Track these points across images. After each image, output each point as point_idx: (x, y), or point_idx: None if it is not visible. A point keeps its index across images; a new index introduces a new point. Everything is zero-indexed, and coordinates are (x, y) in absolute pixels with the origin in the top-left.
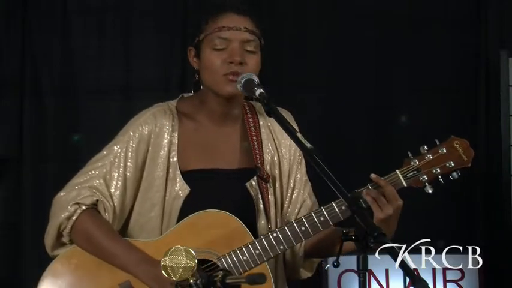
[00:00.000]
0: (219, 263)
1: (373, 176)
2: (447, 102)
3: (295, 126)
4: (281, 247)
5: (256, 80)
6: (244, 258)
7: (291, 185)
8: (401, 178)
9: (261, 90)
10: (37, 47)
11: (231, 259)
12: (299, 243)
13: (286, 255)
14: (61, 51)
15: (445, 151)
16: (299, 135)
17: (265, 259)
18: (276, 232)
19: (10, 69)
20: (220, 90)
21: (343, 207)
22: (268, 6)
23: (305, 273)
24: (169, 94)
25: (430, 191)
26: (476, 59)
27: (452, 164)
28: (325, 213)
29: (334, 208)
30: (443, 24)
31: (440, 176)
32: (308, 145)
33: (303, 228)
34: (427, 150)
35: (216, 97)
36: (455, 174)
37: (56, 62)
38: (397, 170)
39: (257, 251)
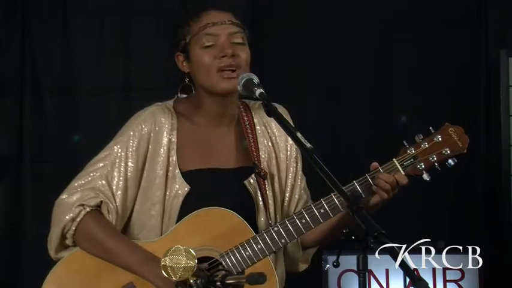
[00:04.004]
0: (221, 260)
1: (374, 164)
2: (447, 102)
3: (290, 122)
4: (282, 240)
5: (256, 80)
6: (247, 253)
7: (289, 180)
8: (399, 166)
9: (261, 90)
10: (37, 47)
11: (234, 255)
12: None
13: (288, 248)
14: (61, 51)
15: (440, 139)
16: (299, 134)
17: (267, 253)
18: (277, 226)
19: (10, 69)
20: (215, 87)
21: (342, 199)
22: (268, 6)
23: (302, 266)
24: (169, 94)
25: (428, 179)
26: (476, 59)
27: (449, 151)
28: (325, 205)
29: (334, 200)
30: (443, 24)
31: (437, 164)
32: (308, 145)
33: (303, 221)
34: (422, 139)
35: (210, 97)
36: (451, 161)
37: (56, 62)
38: (394, 159)
39: (259, 246)
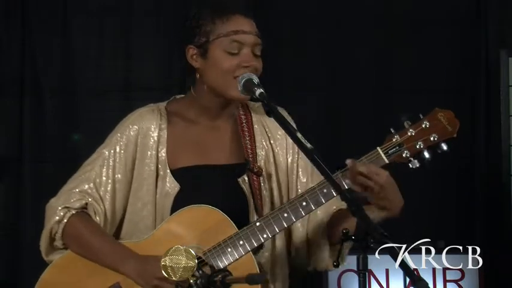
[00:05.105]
0: (204, 258)
1: (348, 161)
2: (447, 102)
3: (292, 123)
4: (264, 235)
5: (256, 80)
6: (229, 249)
7: (294, 177)
8: (382, 155)
9: (261, 90)
10: (37, 47)
11: (216, 252)
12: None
13: (310, 241)
14: (61, 51)
15: (428, 124)
16: (299, 135)
17: (248, 249)
18: (260, 221)
19: (10, 69)
20: (227, 92)
21: (324, 191)
22: (268, 6)
23: (329, 264)
24: (169, 94)
25: (417, 166)
26: (476, 59)
27: (437, 137)
28: (307, 197)
29: (317, 192)
30: (443, 24)
31: (425, 151)
32: (308, 145)
33: (285, 214)
34: (409, 125)
35: (215, 97)
36: (443, 147)
37: (56, 62)
38: (378, 147)
39: (240, 242)
